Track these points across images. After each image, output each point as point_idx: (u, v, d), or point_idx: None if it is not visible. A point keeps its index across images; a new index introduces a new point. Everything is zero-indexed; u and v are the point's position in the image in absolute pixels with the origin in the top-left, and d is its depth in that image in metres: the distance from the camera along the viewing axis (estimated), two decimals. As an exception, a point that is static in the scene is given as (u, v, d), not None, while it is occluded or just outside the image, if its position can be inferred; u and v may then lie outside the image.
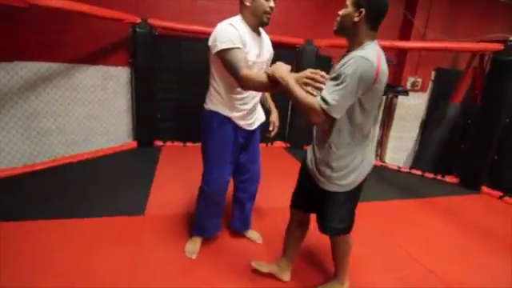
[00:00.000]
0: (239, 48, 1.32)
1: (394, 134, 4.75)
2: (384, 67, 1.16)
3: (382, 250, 2.00)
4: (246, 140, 1.67)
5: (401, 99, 4.58)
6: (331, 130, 1.22)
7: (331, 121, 1.18)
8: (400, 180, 3.43)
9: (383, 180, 3.34)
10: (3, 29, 2.94)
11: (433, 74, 4.73)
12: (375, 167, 3.77)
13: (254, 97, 1.58)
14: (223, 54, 1.32)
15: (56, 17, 2.97)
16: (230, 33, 1.33)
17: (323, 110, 1.09)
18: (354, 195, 1.35)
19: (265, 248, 1.89)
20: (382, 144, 4.76)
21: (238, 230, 1.93)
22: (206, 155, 1.62)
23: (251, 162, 1.75)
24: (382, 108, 4.67)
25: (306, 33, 3.89)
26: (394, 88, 4.33)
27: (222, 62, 1.35)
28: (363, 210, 2.59)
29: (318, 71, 1.11)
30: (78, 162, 3.01)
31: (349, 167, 1.26)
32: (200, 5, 3.56)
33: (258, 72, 1.41)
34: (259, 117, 1.71)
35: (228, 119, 1.54)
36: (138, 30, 3.21)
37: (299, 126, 4.16)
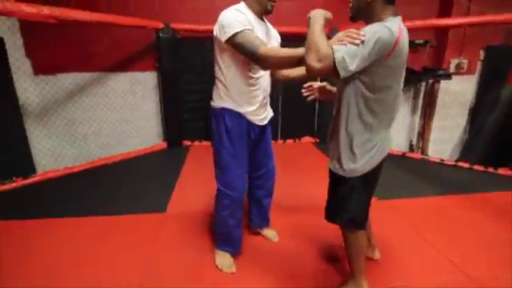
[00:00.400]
0: (250, 29, 1.26)
1: (436, 123, 4.30)
2: (404, 42, 1.07)
3: (417, 252, 1.78)
4: (259, 136, 1.59)
5: (444, 84, 4.13)
6: (340, 106, 1.18)
7: (339, 87, 1.14)
8: (444, 174, 3.08)
9: (424, 174, 3.02)
10: (45, 46, 3.24)
11: (481, 53, 4.18)
12: (415, 160, 3.58)
13: (265, 88, 1.51)
14: (235, 38, 1.24)
15: (85, 29, 3.17)
16: (238, 17, 1.27)
17: (332, 58, 0.99)
18: (365, 183, 1.24)
19: (281, 247, 1.80)
20: (423, 135, 4.34)
21: (258, 227, 1.86)
22: (221, 156, 1.50)
23: (265, 157, 1.68)
24: (421, 95, 4.25)
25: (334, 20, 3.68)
26: (435, 72, 3.91)
27: (235, 48, 1.27)
28: (397, 207, 2.39)
29: (353, 30, 1.03)
30: (112, 164, 3.19)
31: (359, 149, 1.17)
32: (218, 4, 3.57)
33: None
34: (269, 112, 1.63)
35: (240, 115, 1.46)
36: (161, 35, 3.31)
37: (329, 119, 3.94)
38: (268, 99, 1.59)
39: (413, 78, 3.85)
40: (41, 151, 3.36)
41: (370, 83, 1.09)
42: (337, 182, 1.28)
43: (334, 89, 1.42)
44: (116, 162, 3.24)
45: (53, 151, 3.44)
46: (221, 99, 1.47)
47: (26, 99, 3.28)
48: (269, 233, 1.86)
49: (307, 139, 4.13)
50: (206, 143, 3.93)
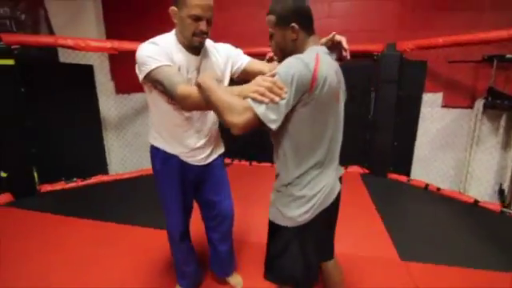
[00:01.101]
0: (168, 65, 1.13)
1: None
2: (326, 69, 0.90)
3: None
4: (200, 176, 1.42)
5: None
6: (277, 149, 1.01)
7: (274, 137, 0.99)
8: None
9: (493, 237, 2.22)
10: (124, 70, 3.94)
11: None
12: (488, 214, 2.66)
13: (199, 129, 1.31)
14: (150, 76, 1.11)
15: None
16: (151, 51, 1.12)
17: (253, 111, 0.86)
18: (304, 236, 1.01)
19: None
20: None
21: (218, 274, 1.68)
22: (159, 196, 1.42)
23: (215, 197, 1.48)
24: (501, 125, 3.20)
25: (387, 36, 3.21)
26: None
27: (154, 87, 1.18)
28: (428, 274, 1.81)
29: (272, 81, 0.86)
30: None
31: (294, 195, 0.98)
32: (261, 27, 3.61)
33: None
34: (216, 149, 1.45)
35: (172, 155, 1.32)
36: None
37: (384, 145, 3.41)
38: (213, 136, 1.41)
39: (505, 103, 2.93)
40: (114, 157, 4.08)
41: (304, 123, 0.93)
42: (270, 230, 1.08)
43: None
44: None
45: (121, 158, 4.11)
46: (153, 137, 1.36)
47: (107, 113, 4.04)
48: (232, 279, 1.67)
49: (354, 169, 3.65)
50: (245, 163, 3.96)
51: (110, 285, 1.69)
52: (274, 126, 0.87)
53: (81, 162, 3.32)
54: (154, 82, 1.13)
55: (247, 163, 3.96)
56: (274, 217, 1.03)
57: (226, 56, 1.34)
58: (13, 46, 2.59)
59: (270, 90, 0.85)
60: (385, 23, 3.29)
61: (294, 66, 0.87)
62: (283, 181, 0.99)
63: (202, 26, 1.14)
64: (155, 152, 1.36)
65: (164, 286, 1.68)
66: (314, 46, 0.98)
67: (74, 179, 3.16)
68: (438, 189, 3.00)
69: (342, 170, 1.14)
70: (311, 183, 0.97)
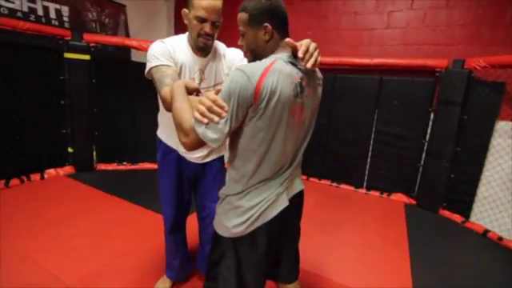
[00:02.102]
0: (166, 65, 1.18)
1: None
2: (276, 83, 0.81)
3: None
4: (196, 174, 1.46)
5: None
6: (229, 158, 0.97)
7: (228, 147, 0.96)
8: None
9: None
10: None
11: None
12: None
13: None
14: (151, 73, 1.18)
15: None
16: (156, 49, 1.19)
17: (198, 133, 0.84)
18: (239, 250, 0.94)
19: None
20: None
21: (202, 273, 1.68)
22: (159, 185, 1.51)
23: (205, 200, 1.49)
24: None
25: (453, 50, 2.78)
26: None
27: (153, 83, 1.23)
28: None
29: (210, 96, 0.84)
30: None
31: (233, 204, 0.93)
32: (314, 36, 3.51)
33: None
34: (215, 151, 1.44)
35: (172, 149, 1.39)
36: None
37: (438, 176, 2.95)
38: None
39: None
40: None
41: (250, 132, 0.87)
42: (214, 237, 1.03)
43: None
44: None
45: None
46: (158, 130, 1.45)
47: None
48: None
49: (398, 197, 3.23)
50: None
51: (114, 255, 1.86)
52: (215, 145, 0.83)
53: (135, 148, 3.71)
54: (152, 79, 1.20)
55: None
56: (215, 224, 0.99)
57: (230, 61, 1.36)
58: (90, 44, 3.09)
59: (210, 110, 0.80)
60: (452, 36, 2.86)
61: (235, 80, 0.80)
62: (226, 190, 0.95)
63: (206, 27, 1.17)
64: (158, 144, 1.46)
65: (160, 269, 1.76)
66: (281, 51, 0.90)
67: (124, 163, 3.58)
68: (500, 238, 2.44)
69: (299, 186, 1.03)
70: (250, 194, 0.91)
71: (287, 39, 0.88)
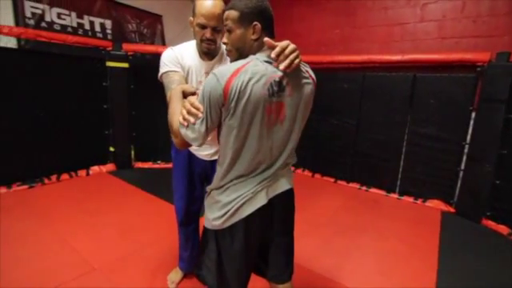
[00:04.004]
0: (174, 71, 1.29)
1: None
2: (247, 84, 0.83)
3: None
4: (206, 170, 1.53)
5: None
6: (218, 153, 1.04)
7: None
8: None
9: None
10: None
11: None
12: None
13: None
14: (162, 78, 1.29)
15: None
16: (166, 56, 1.30)
17: (181, 134, 0.93)
18: (220, 243, 0.98)
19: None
20: None
21: None
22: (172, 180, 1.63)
23: None
24: None
25: (497, 43, 2.49)
26: None
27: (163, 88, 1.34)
28: None
29: (190, 99, 0.92)
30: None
31: (214, 199, 0.98)
32: (342, 34, 3.40)
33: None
34: None
35: None
36: (282, 66, 3.65)
37: (481, 182, 2.68)
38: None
39: None
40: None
41: (229, 131, 0.91)
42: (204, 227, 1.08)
43: None
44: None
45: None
46: None
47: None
48: None
49: (434, 204, 2.97)
50: (307, 173, 3.83)
51: (139, 245, 2.02)
52: (195, 144, 0.90)
53: (168, 148, 3.95)
54: (162, 83, 1.32)
55: (310, 174, 3.83)
56: (204, 215, 1.04)
57: None
58: (129, 53, 3.40)
59: (188, 112, 0.88)
60: (495, 27, 2.57)
61: (207, 82, 0.86)
62: (212, 185, 1.00)
63: (207, 33, 1.25)
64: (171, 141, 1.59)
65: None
66: (265, 51, 0.91)
67: (159, 161, 3.84)
68: (555, 255, 2.11)
69: (284, 186, 1.02)
70: (228, 190, 0.94)
71: (265, 39, 0.89)
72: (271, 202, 0.98)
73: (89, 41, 3.24)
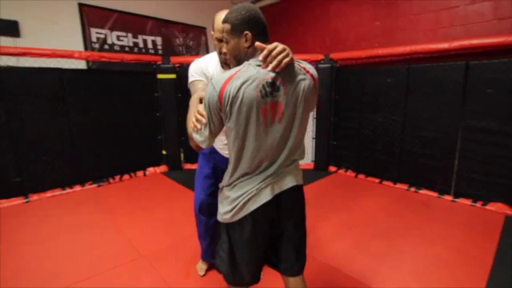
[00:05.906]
0: (199, 80, 1.45)
1: None
2: (239, 88, 0.91)
3: None
4: (225, 166, 1.65)
5: None
6: None
7: None
8: None
9: None
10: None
11: None
12: None
13: None
14: (190, 87, 1.46)
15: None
16: (192, 67, 1.48)
17: (193, 137, 1.07)
18: (230, 235, 1.08)
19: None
20: None
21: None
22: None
23: None
24: None
25: None
26: None
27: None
28: None
29: (199, 107, 1.05)
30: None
31: (224, 195, 1.08)
32: (383, 26, 3.20)
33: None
34: None
35: None
36: (319, 65, 3.62)
37: None
38: None
39: None
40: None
41: (232, 134, 1.01)
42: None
43: None
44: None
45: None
46: None
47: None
48: None
49: (496, 207, 2.61)
50: (350, 173, 3.70)
51: (180, 237, 2.24)
52: (204, 146, 1.03)
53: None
54: (190, 91, 1.51)
55: (353, 174, 3.69)
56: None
57: None
58: (176, 65, 3.75)
59: (196, 119, 1.01)
60: None
61: (207, 91, 0.96)
62: (223, 182, 1.10)
63: (221, 46, 1.40)
64: None
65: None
66: (255, 56, 0.98)
67: (205, 163, 4.12)
68: None
69: (290, 183, 1.05)
70: (236, 187, 1.03)
71: (256, 43, 0.96)
72: (278, 197, 1.04)
73: (142, 57, 3.68)
